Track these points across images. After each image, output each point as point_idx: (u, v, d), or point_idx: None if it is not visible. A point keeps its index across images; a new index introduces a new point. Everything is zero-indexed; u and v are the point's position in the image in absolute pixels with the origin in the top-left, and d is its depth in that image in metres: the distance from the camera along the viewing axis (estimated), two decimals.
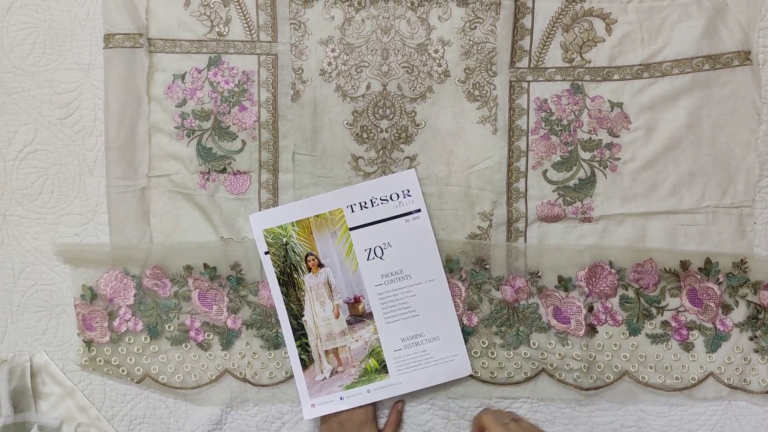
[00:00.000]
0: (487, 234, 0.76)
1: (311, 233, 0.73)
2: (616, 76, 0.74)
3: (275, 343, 0.76)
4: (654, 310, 0.75)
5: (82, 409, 0.77)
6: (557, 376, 0.76)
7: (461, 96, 0.75)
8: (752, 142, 0.74)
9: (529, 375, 0.76)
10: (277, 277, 0.74)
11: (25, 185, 0.77)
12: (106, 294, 0.76)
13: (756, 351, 0.75)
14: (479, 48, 0.74)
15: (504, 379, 0.76)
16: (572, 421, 0.77)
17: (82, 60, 0.76)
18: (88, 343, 0.77)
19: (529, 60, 0.75)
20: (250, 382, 0.77)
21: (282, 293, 0.74)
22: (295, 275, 0.74)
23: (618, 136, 0.75)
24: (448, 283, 0.75)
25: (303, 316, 0.74)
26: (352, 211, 0.73)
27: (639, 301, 0.75)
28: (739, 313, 0.75)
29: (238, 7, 0.74)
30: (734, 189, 0.74)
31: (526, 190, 0.75)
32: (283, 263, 0.74)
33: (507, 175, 0.75)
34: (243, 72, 0.75)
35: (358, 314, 0.74)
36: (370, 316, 0.74)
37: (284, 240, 0.73)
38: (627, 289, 0.75)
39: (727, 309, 0.75)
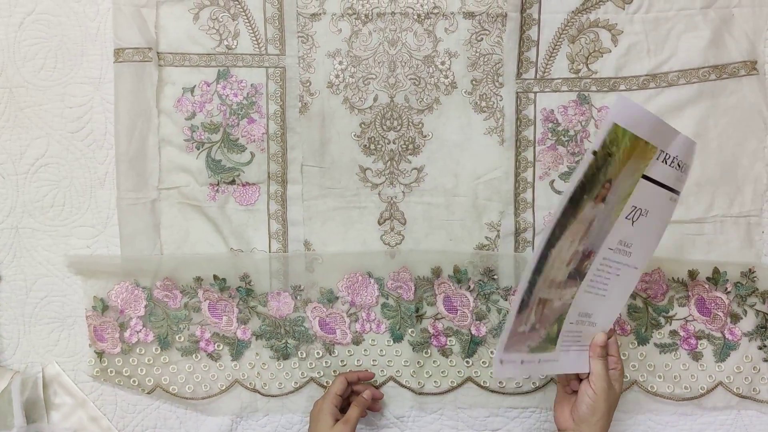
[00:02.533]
0: (495, 244, 0.76)
1: (629, 159, 0.55)
2: (622, 87, 0.75)
3: (285, 353, 0.77)
4: (662, 320, 0.76)
5: (94, 420, 0.78)
6: None
7: (468, 107, 0.75)
8: (759, 152, 0.74)
9: (537, 385, 0.76)
10: (580, 182, 0.52)
11: (37, 198, 0.78)
12: (117, 305, 0.77)
13: (765, 360, 0.75)
14: (486, 59, 0.75)
15: (513, 389, 0.76)
16: None
17: (93, 74, 0.77)
18: (100, 354, 0.77)
19: (536, 71, 0.75)
20: (259, 393, 0.77)
21: (569, 211, 0.53)
22: (585, 198, 0.53)
23: None
24: (457, 293, 0.76)
25: (555, 245, 0.54)
26: (657, 159, 0.57)
27: (647, 310, 0.76)
28: (748, 322, 0.75)
29: (247, 20, 0.75)
30: (742, 198, 0.74)
31: (533, 201, 0.76)
32: (594, 173, 0.53)
33: (514, 185, 0.76)
34: (251, 85, 0.76)
35: (580, 270, 0.58)
36: (582, 276, 0.59)
37: (613, 149, 0.53)
38: (635, 299, 0.75)
39: (735, 318, 0.75)
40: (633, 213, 0.58)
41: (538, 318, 0.57)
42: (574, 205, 0.53)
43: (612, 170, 0.54)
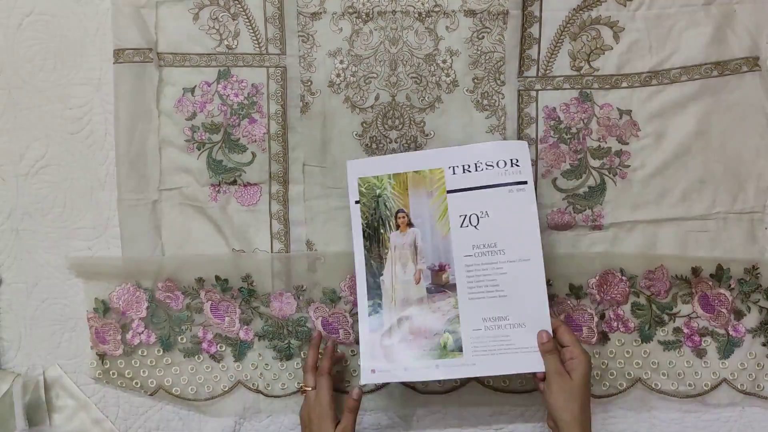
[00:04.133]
0: None
1: (407, 189, 0.69)
2: (624, 84, 0.74)
3: (287, 354, 0.76)
4: (666, 317, 0.75)
5: (97, 422, 0.78)
6: None
7: (470, 105, 0.75)
8: (762, 148, 0.74)
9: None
10: (362, 230, 0.70)
11: (37, 200, 0.77)
12: (119, 307, 0.76)
13: None
14: (487, 57, 0.75)
15: (517, 387, 0.76)
16: None
17: (93, 75, 0.76)
18: (102, 356, 0.77)
19: (538, 69, 0.75)
20: (263, 394, 0.77)
21: (364, 247, 0.70)
22: (382, 230, 0.70)
23: (627, 144, 0.75)
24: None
25: (382, 275, 0.69)
26: (454, 173, 0.68)
27: (651, 308, 0.75)
28: (752, 318, 0.75)
29: (247, 20, 0.75)
30: (745, 195, 0.74)
31: (536, 199, 0.75)
32: (372, 216, 0.70)
33: None
34: (252, 85, 0.76)
35: (440, 283, 0.68)
36: (453, 288, 0.68)
37: (378, 192, 0.70)
38: (638, 296, 0.75)
39: (739, 315, 0.75)
40: (464, 221, 0.68)
41: (408, 332, 0.68)
42: (372, 241, 0.69)
43: (393, 204, 0.69)
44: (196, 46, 0.75)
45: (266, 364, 0.77)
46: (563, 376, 0.63)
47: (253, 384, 0.77)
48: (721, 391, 0.75)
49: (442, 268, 0.69)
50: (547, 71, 0.75)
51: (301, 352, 0.77)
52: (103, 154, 0.77)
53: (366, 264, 0.70)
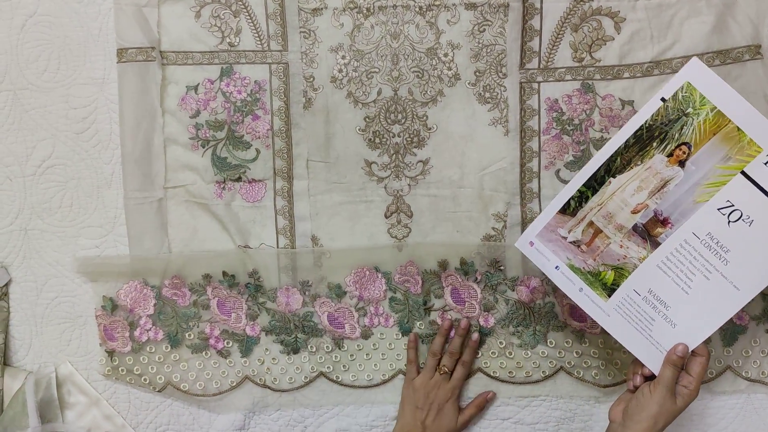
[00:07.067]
0: (502, 235, 0.76)
1: (714, 134, 0.58)
2: (626, 74, 0.74)
3: (294, 347, 0.77)
4: None
5: (108, 418, 0.79)
6: (575, 373, 0.76)
7: (472, 98, 0.75)
8: None
9: (547, 374, 0.76)
10: (642, 126, 0.60)
11: (44, 199, 0.78)
12: (127, 304, 0.77)
13: None
14: (489, 50, 0.75)
15: (523, 378, 0.77)
16: (592, 418, 0.77)
17: (97, 75, 0.77)
18: (110, 353, 0.78)
19: (539, 61, 0.75)
20: (270, 388, 0.78)
21: (627, 143, 0.61)
22: (654, 144, 0.60)
23: None
24: (464, 285, 0.76)
25: (616, 176, 0.62)
26: (766, 164, 0.57)
27: None
28: (756, 305, 0.75)
29: (248, 17, 0.75)
30: None
31: (539, 191, 0.76)
32: (661, 123, 0.59)
33: (520, 176, 0.76)
34: (255, 81, 0.76)
35: (650, 231, 0.62)
36: (655, 244, 0.62)
37: (689, 110, 0.59)
38: None
39: None
40: (728, 209, 0.59)
41: (587, 241, 0.63)
42: (639, 144, 0.58)
43: (688, 134, 0.57)
44: (198, 44, 0.75)
45: (273, 359, 0.77)
46: (670, 393, 0.61)
47: (260, 379, 0.78)
48: (725, 378, 0.76)
49: (665, 222, 0.61)
50: (549, 63, 0.75)
51: (309, 346, 0.77)
52: (108, 153, 0.78)
53: (611, 156, 0.61)
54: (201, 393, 0.78)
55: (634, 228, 0.62)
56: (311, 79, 0.76)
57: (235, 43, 0.76)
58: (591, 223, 0.63)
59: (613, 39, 0.74)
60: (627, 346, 0.64)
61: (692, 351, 0.62)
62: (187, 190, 0.77)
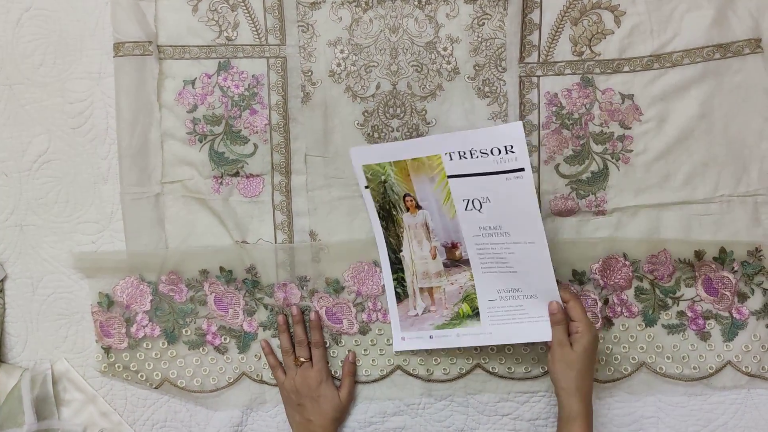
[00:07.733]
0: None
1: (408, 175, 0.71)
2: (626, 68, 0.74)
3: (291, 343, 0.77)
4: (669, 301, 0.76)
5: (104, 415, 0.78)
6: None
7: (471, 93, 0.75)
8: (765, 130, 0.74)
9: (546, 369, 0.76)
10: (377, 211, 0.73)
11: (40, 195, 0.78)
12: (123, 301, 0.77)
13: None
14: (488, 44, 0.74)
15: (522, 374, 0.76)
16: None
17: (93, 69, 0.76)
18: (107, 350, 0.77)
19: (539, 55, 0.74)
20: (267, 384, 0.77)
21: (382, 227, 0.74)
22: (394, 212, 0.73)
23: (630, 128, 0.75)
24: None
25: (401, 251, 0.74)
26: (451, 159, 0.68)
27: (654, 292, 0.76)
28: (755, 301, 0.75)
29: (246, 11, 0.75)
30: (748, 177, 0.74)
31: (539, 185, 0.75)
32: (383, 199, 0.73)
33: None
34: (253, 76, 0.75)
35: (454, 259, 0.72)
36: (466, 262, 0.72)
37: (383, 178, 0.72)
38: (642, 281, 0.75)
39: (743, 297, 0.75)
40: (469, 204, 0.69)
41: (430, 303, 0.74)
42: (388, 220, 0.73)
43: (399, 189, 0.72)
44: (195, 38, 0.75)
45: None
46: (564, 347, 0.66)
47: (257, 375, 0.77)
48: (725, 373, 0.75)
49: (454, 246, 0.72)
50: (549, 57, 0.75)
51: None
52: (105, 148, 0.77)
53: (386, 242, 0.74)
54: (198, 389, 0.77)
55: (445, 265, 0.73)
56: (309, 73, 0.75)
57: (233, 37, 0.75)
58: (421, 290, 0.74)
59: (613, 33, 0.74)
60: (527, 340, 0.71)
61: (563, 301, 0.68)
62: (184, 185, 0.77)
